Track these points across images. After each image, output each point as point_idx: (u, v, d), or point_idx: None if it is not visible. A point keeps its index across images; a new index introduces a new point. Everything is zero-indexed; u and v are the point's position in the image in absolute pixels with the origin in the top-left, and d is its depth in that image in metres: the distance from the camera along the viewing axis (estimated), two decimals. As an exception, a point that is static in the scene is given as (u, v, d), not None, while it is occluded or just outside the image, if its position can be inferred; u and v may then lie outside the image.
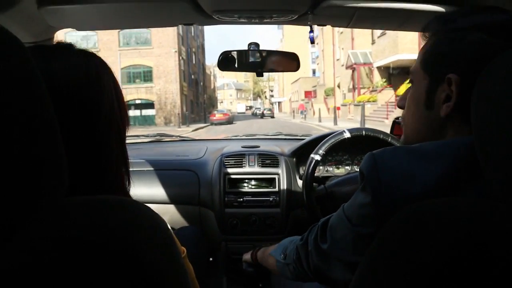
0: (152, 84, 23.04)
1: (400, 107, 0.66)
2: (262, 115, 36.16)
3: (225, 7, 0.95)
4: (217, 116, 23.67)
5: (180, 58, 24.62)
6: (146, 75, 23.38)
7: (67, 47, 0.53)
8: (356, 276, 0.46)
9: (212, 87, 60.47)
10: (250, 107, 69.76)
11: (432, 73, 0.56)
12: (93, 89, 0.50)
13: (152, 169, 1.45)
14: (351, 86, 22.71)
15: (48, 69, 0.47)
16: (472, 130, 0.46)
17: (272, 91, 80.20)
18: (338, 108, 23.66)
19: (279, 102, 60.54)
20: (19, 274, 0.31)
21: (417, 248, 0.37)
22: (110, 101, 0.53)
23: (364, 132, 1.23)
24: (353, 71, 21.50)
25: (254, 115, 43.81)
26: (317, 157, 1.20)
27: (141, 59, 22.97)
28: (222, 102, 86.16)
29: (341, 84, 25.86)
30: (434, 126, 0.57)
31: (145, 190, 1.37)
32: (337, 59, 27.42)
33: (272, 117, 34.83)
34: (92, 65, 0.52)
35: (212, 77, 62.46)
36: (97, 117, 0.50)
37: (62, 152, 0.36)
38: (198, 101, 34.59)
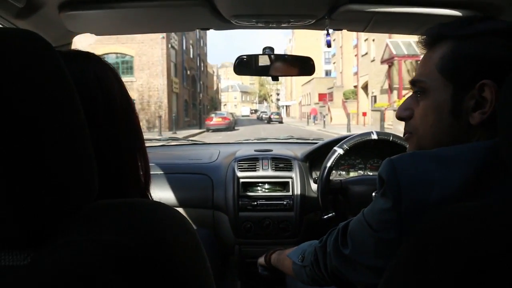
0: (132, 78, 22.25)
1: (403, 118, 0.76)
2: (269, 120, 38.92)
3: (243, 12, 1.20)
4: (214, 120, 23.31)
5: (169, 46, 24.35)
6: (126, 67, 22.64)
7: (84, 54, 0.65)
8: (384, 281, 0.55)
9: (215, 88, 64.22)
10: (256, 111, 75.31)
11: (457, 80, 0.66)
12: (102, 90, 0.61)
13: (165, 172, 1.75)
14: (385, 86, 21.89)
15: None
16: (491, 135, 0.61)
17: (278, 94, 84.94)
18: (365, 114, 23.31)
19: (286, 106, 66.53)
20: (55, 280, 0.38)
21: (448, 253, 0.45)
22: (119, 101, 0.64)
23: (391, 138, 1.50)
24: (389, 67, 20.61)
25: (260, 119, 47.36)
26: (341, 151, 1.47)
27: (120, 46, 22.35)
28: (225, 104, 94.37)
29: (369, 84, 25.22)
30: (460, 134, 0.67)
31: (159, 193, 1.66)
32: (364, 54, 26.85)
33: (281, 122, 37.41)
34: (96, 66, 0.63)
35: (215, 78, 66.54)
36: (112, 120, 0.62)
37: (92, 156, 0.45)
38: (195, 102, 34.37)
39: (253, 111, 79.94)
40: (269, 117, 39.88)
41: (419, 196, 0.60)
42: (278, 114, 41.55)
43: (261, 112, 53.38)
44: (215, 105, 58.68)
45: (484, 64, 0.63)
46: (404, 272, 0.51)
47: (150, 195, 0.72)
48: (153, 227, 0.44)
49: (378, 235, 0.67)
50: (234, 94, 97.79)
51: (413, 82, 0.74)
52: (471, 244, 0.44)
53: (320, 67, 53.54)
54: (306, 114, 38.20)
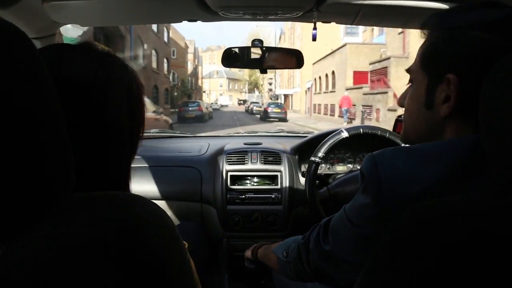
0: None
1: (401, 105, 0.83)
2: (266, 116, 26.30)
3: (230, 3, 1.27)
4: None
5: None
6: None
7: (85, 48, 0.69)
8: (362, 276, 0.59)
9: (190, 69, 53.72)
10: (244, 101, 67.14)
11: (431, 73, 0.72)
12: (98, 93, 0.65)
13: (154, 165, 1.85)
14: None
15: (58, 68, 0.63)
16: (471, 130, 0.66)
17: (271, 84, 76.79)
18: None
19: (285, 96, 53.08)
20: (28, 273, 0.40)
21: (421, 248, 0.48)
22: (118, 107, 0.68)
23: (362, 130, 1.60)
24: None
25: (249, 113, 37.44)
26: (317, 160, 1.57)
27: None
28: (209, 93, 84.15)
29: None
30: (434, 126, 0.72)
31: (147, 186, 1.76)
32: None
33: (284, 119, 25.85)
34: (103, 69, 0.67)
35: (191, 57, 56.59)
36: (101, 121, 0.66)
37: (68, 148, 0.47)
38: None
39: (241, 101, 72.07)
40: (265, 111, 27.05)
41: (399, 191, 0.64)
42: (280, 106, 28.67)
43: (252, 103, 42.36)
44: (188, 91, 47.59)
45: (455, 59, 0.68)
46: (380, 267, 0.55)
47: (129, 187, 0.75)
48: (129, 220, 0.47)
49: (358, 231, 0.72)
50: (220, 81, 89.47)
51: (407, 71, 0.81)
52: (444, 237, 0.47)
53: (337, 40, 32.96)
54: (320, 107, 29.06)
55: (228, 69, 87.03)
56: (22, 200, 0.42)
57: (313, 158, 1.60)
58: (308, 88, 38.04)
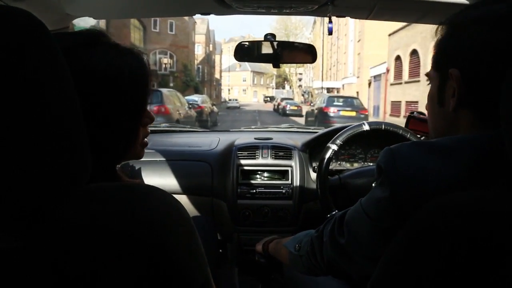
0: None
1: None
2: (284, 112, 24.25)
3: None
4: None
5: None
6: None
7: (114, 46, 0.73)
8: (379, 270, 0.59)
9: (199, 54, 43.43)
10: (271, 98, 57.25)
11: (440, 71, 0.74)
12: (130, 83, 0.69)
13: (165, 159, 1.87)
14: None
15: (87, 60, 0.67)
16: (483, 124, 0.66)
17: (300, 80, 70.07)
18: None
19: (328, 89, 38.70)
20: (48, 258, 0.42)
21: (442, 242, 0.49)
22: (142, 95, 0.72)
23: (383, 126, 1.60)
24: None
25: (280, 113, 27.48)
26: (334, 147, 1.56)
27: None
28: (231, 88, 75.82)
29: None
30: (448, 122, 0.74)
31: (158, 179, 1.78)
32: None
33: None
34: (128, 64, 0.71)
35: (206, 42, 46.39)
36: (125, 109, 0.70)
37: (86, 139, 0.48)
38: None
39: (268, 98, 61.35)
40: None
41: (417, 185, 0.64)
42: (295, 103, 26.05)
43: (283, 99, 33.01)
44: (192, 82, 33.99)
45: (458, 55, 0.69)
46: (397, 261, 0.55)
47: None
48: (145, 211, 0.48)
49: (375, 224, 0.72)
50: (243, 75, 78.76)
51: (426, 75, 0.83)
52: (463, 232, 0.48)
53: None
54: (399, 106, 18.81)
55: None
56: (39, 187, 0.42)
57: (330, 144, 1.60)
58: (375, 77, 24.47)
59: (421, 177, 0.65)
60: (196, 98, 16.66)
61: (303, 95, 55.70)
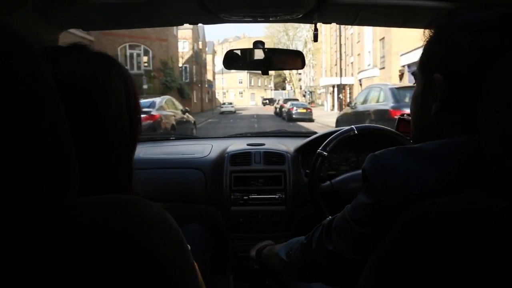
0: None
1: None
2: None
3: (231, 6, 1.29)
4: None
5: None
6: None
7: (78, 49, 0.70)
8: (364, 276, 0.61)
9: (186, 52, 37.60)
10: (270, 101, 55.06)
11: (424, 74, 0.75)
12: (99, 93, 0.66)
13: (158, 167, 1.88)
14: None
15: (55, 70, 0.63)
16: (465, 128, 0.67)
17: (300, 80, 66.28)
18: None
19: (338, 87, 32.08)
20: (22, 271, 0.42)
21: (426, 246, 0.50)
22: (118, 105, 0.69)
23: (372, 129, 1.63)
24: None
25: (286, 118, 23.87)
26: (324, 153, 1.58)
27: None
28: (226, 91, 71.71)
29: None
30: (430, 126, 0.75)
31: (151, 188, 1.78)
32: None
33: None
34: (101, 68, 0.68)
35: (194, 38, 40.23)
36: (103, 121, 0.67)
37: (71, 152, 0.47)
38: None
39: (266, 100, 58.12)
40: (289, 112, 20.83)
41: (401, 191, 0.65)
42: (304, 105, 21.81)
43: (287, 100, 29.36)
44: (172, 83, 27.40)
45: (443, 61, 0.71)
46: (383, 265, 0.56)
47: (132, 189, 0.76)
48: (133, 223, 0.49)
49: (360, 230, 0.73)
50: (239, 77, 75.72)
51: (413, 74, 0.84)
52: (446, 236, 0.49)
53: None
54: None
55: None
56: (16, 200, 0.42)
57: (320, 151, 1.61)
58: (410, 65, 18.75)
59: (405, 183, 0.66)
60: (148, 101, 10.62)
61: (304, 95, 53.51)
